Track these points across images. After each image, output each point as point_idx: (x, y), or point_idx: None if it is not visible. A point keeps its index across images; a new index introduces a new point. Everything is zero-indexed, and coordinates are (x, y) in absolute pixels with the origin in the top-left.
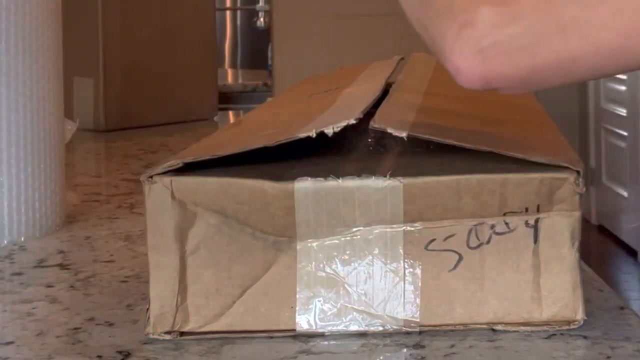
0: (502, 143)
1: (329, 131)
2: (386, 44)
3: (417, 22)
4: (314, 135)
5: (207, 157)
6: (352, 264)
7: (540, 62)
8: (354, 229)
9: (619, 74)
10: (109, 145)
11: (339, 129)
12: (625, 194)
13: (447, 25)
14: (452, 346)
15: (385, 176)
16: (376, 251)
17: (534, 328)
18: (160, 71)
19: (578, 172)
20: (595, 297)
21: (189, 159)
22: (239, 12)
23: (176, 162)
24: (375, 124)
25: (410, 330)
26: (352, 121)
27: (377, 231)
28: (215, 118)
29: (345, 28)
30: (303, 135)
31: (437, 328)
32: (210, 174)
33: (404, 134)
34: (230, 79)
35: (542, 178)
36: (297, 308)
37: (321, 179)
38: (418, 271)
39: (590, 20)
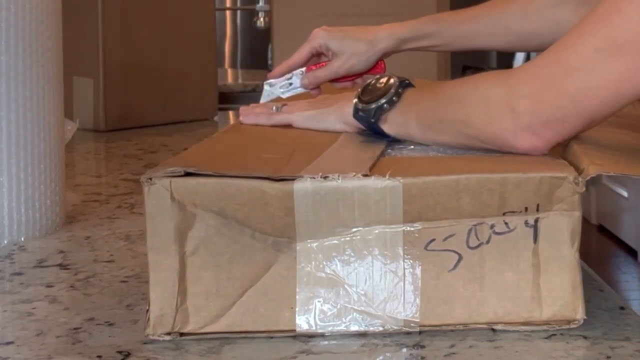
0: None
1: (335, 178)
2: None
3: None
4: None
5: (208, 173)
6: (352, 264)
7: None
8: (354, 230)
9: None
10: (109, 145)
11: (345, 179)
12: (625, 194)
13: (500, 127)
14: (452, 346)
15: (385, 176)
16: (376, 251)
17: (534, 328)
18: (160, 71)
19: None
20: (595, 297)
21: (191, 169)
22: (239, 12)
23: (178, 169)
24: None
25: (410, 330)
26: (360, 176)
27: (376, 231)
28: (215, 118)
29: None
30: (308, 175)
31: (437, 328)
32: (209, 175)
33: None
34: (230, 79)
35: (542, 177)
36: (297, 308)
37: (321, 179)
38: (418, 271)
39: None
